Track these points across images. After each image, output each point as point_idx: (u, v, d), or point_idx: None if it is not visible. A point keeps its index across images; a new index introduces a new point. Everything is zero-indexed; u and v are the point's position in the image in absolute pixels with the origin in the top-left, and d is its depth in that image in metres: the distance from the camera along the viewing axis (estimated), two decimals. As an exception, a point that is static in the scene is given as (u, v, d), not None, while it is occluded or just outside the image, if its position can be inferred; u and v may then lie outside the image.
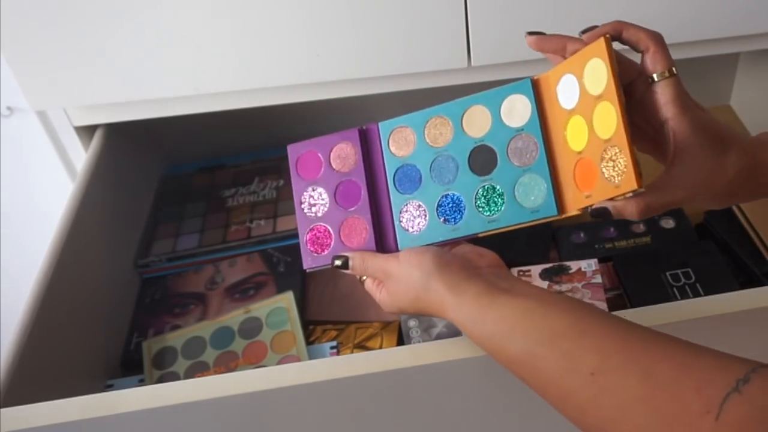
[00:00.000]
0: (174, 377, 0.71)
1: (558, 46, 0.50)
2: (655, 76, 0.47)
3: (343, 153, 0.55)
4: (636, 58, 0.49)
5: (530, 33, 0.50)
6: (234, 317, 0.75)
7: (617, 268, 0.77)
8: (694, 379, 0.35)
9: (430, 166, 0.53)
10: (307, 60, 0.73)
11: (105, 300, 0.75)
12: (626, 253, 0.78)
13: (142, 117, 0.78)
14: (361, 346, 0.72)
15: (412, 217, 0.54)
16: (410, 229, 0.54)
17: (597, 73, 0.47)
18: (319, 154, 0.56)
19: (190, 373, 0.71)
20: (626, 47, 0.48)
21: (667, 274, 0.75)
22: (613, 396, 0.37)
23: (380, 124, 0.55)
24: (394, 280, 0.50)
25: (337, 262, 0.53)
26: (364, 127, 0.55)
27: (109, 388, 0.70)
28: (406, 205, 0.54)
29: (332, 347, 0.72)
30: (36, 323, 0.61)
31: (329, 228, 0.55)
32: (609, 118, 0.46)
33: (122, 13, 0.69)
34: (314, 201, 0.56)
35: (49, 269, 0.65)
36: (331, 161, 0.56)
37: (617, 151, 0.45)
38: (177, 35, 0.71)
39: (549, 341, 0.41)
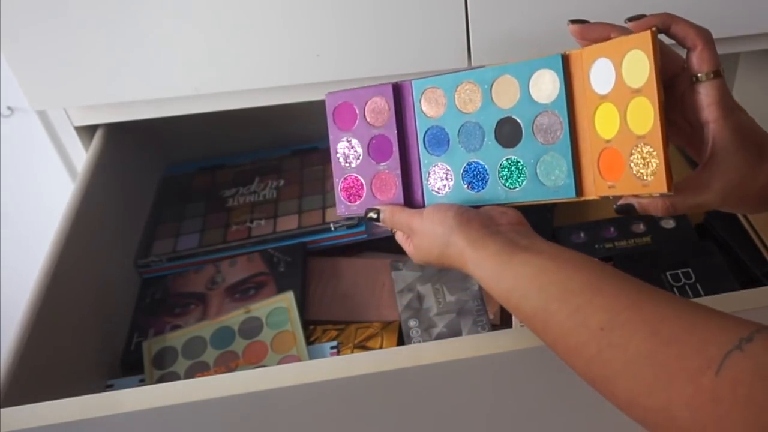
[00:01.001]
0: (174, 377, 0.71)
1: (602, 36, 0.48)
2: (700, 75, 0.46)
3: (377, 107, 0.56)
4: (682, 51, 0.48)
5: (573, 21, 0.49)
6: (234, 317, 0.75)
7: (617, 268, 0.77)
8: (698, 338, 0.36)
9: (459, 131, 0.55)
10: (307, 60, 0.73)
11: (105, 300, 0.75)
12: (626, 253, 0.78)
13: (142, 117, 0.78)
14: (362, 346, 0.72)
15: (439, 179, 0.56)
16: (436, 190, 0.56)
17: (638, 65, 0.45)
18: (355, 106, 0.57)
19: (191, 373, 0.71)
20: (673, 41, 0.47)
21: (668, 274, 0.75)
22: (619, 351, 0.38)
23: (413, 82, 0.56)
24: (419, 235, 0.53)
25: (372, 215, 0.56)
26: (398, 83, 0.57)
27: (109, 388, 0.70)
28: (434, 166, 0.56)
29: (332, 347, 0.72)
30: (36, 323, 0.61)
31: (362, 179, 0.57)
32: (645, 115, 0.45)
33: (122, 13, 0.69)
34: (348, 152, 0.58)
35: (50, 269, 0.65)
36: (366, 114, 0.57)
37: (650, 150, 0.45)
38: (177, 35, 0.71)
39: (562, 298, 0.42)
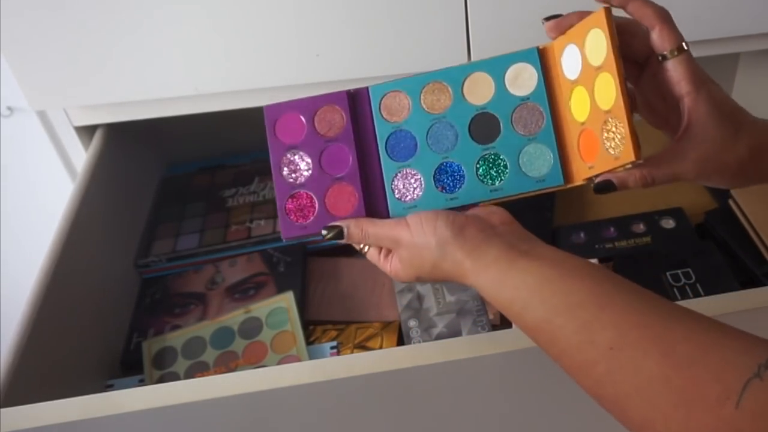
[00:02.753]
0: (174, 377, 0.71)
1: (575, 23, 0.49)
2: (665, 53, 0.46)
3: (329, 116, 0.53)
4: None
5: (547, 19, 0.49)
6: (234, 317, 0.75)
7: (617, 268, 0.77)
8: (714, 361, 0.35)
9: (427, 133, 0.52)
10: (307, 60, 0.73)
11: (105, 300, 0.75)
12: (626, 253, 0.78)
13: (142, 117, 0.78)
14: (362, 346, 0.72)
15: (407, 185, 0.52)
16: (404, 198, 0.52)
17: (597, 43, 0.46)
18: (302, 117, 0.53)
19: (190, 373, 0.71)
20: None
21: (668, 274, 0.75)
22: (630, 373, 0.37)
23: (371, 88, 0.53)
24: (407, 248, 0.48)
25: (328, 234, 0.50)
26: (351, 91, 0.53)
27: (109, 388, 0.70)
28: (399, 172, 0.52)
29: (332, 347, 0.72)
30: (36, 323, 0.61)
31: (312, 195, 0.52)
32: (609, 89, 0.46)
33: (122, 13, 0.69)
34: (294, 166, 0.53)
35: (50, 269, 0.65)
36: (316, 124, 0.53)
37: (616, 122, 0.45)
38: (177, 35, 0.71)
39: (568, 311, 0.41)
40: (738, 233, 0.78)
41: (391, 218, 0.51)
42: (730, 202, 0.80)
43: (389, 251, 0.50)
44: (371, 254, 0.52)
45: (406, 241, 0.48)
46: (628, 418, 0.37)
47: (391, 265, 0.50)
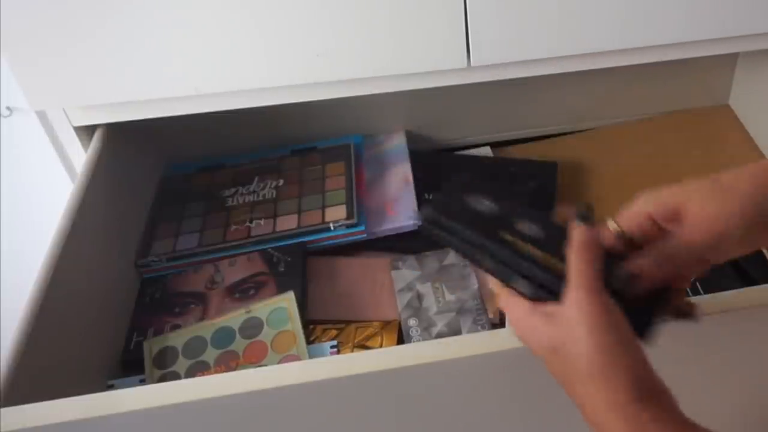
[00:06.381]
0: (175, 377, 0.71)
1: None
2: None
3: None
4: None
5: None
6: (235, 317, 0.75)
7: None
8: None
9: None
10: (307, 60, 0.73)
11: (105, 300, 0.75)
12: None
13: (142, 117, 0.78)
14: (361, 346, 0.72)
15: None
16: None
17: None
18: None
19: (191, 373, 0.71)
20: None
21: (667, 273, 0.74)
22: None
23: None
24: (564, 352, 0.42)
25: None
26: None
27: (110, 388, 0.70)
28: None
29: (332, 346, 0.72)
30: (36, 323, 0.61)
31: None
32: None
33: (122, 12, 0.69)
34: None
35: (50, 269, 0.65)
36: None
37: None
38: (177, 35, 0.71)
39: None
40: (753, 256, 0.75)
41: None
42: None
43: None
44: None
45: (565, 342, 0.42)
46: None
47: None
